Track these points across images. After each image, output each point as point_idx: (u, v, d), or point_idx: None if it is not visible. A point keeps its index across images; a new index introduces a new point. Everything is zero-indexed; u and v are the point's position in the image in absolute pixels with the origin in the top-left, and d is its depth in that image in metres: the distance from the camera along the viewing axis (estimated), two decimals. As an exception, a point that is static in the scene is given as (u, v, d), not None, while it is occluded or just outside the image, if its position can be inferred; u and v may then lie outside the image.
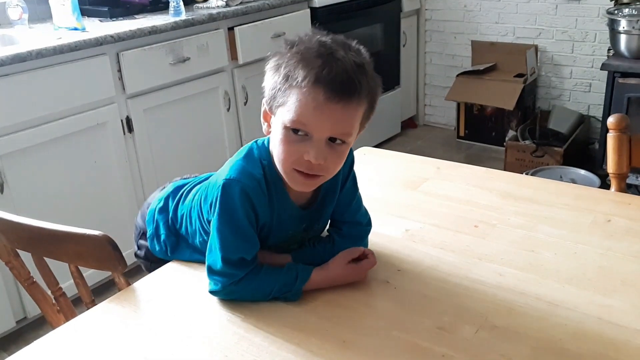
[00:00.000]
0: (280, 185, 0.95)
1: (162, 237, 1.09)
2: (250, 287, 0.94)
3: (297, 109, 0.84)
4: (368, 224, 1.07)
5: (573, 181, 2.64)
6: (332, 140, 0.87)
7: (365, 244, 1.06)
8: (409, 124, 3.95)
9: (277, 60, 0.88)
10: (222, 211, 0.92)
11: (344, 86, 0.83)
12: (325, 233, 1.07)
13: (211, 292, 0.96)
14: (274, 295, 0.94)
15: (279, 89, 0.87)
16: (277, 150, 0.89)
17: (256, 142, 0.97)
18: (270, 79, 0.89)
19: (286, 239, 1.01)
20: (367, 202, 1.07)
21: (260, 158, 0.94)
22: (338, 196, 1.02)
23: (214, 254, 0.94)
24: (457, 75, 3.54)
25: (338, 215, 1.04)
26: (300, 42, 0.87)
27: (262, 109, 0.93)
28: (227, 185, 0.91)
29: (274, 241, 0.99)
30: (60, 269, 1.14)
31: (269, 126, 0.93)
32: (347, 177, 1.02)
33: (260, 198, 0.93)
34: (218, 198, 0.92)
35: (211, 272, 0.95)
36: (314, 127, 0.85)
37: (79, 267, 1.09)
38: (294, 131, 0.86)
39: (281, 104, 0.87)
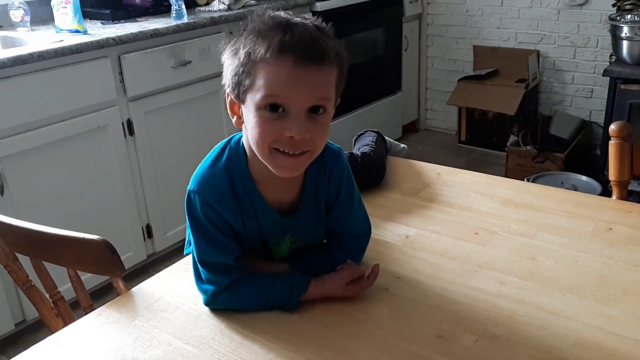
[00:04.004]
0: (254, 190, 0.91)
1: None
2: (243, 296, 0.93)
3: (267, 82, 0.80)
4: (367, 233, 1.04)
5: (574, 187, 2.63)
6: (312, 111, 0.82)
7: (362, 256, 1.04)
8: (410, 128, 3.95)
9: (233, 44, 0.85)
10: (190, 221, 0.91)
11: (311, 48, 0.80)
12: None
13: (205, 304, 0.95)
14: (271, 307, 0.93)
15: (243, 71, 0.82)
16: (253, 136, 0.84)
17: (230, 140, 0.93)
18: (231, 64, 0.84)
19: (270, 246, 0.98)
20: (366, 208, 1.06)
21: (228, 162, 0.90)
22: (333, 206, 0.98)
23: (195, 263, 0.93)
24: (459, 80, 3.53)
25: (335, 226, 1.00)
26: (252, 20, 0.84)
27: (227, 101, 0.88)
28: (189, 197, 0.90)
29: (251, 244, 0.96)
30: (58, 273, 1.14)
31: (240, 117, 0.88)
32: (339, 184, 0.97)
33: (226, 207, 0.89)
34: (185, 208, 0.90)
35: (199, 281, 0.94)
36: (291, 98, 0.80)
37: (78, 271, 1.09)
38: (270, 109, 0.81)
39: (249, 87, 0.82)
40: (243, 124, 0.88)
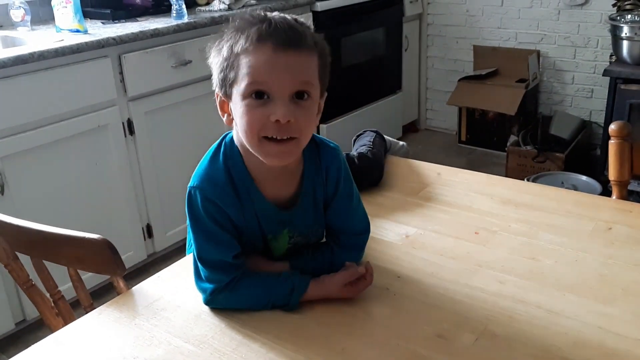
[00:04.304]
0: (252, 185, 0.93)
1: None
2: (243, 295, 0.93)
3: (249, 70, 0.83)
4: (366, 231, 1.04)
5: (574, 187, 2.63)
6: (297, 97, 0.84)
7: (362, 255, 1.04)
8: (411, 128, 3.95)
9: (217, 44, 0.88)
10: (190, 218, 0.92)
11: (289, 35, 0.83)
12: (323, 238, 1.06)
13: (205, 303, 0.95)
14: (271, 307, 0.93)
15: (227, 65, 0.85)
16: (241, 126, 0.86)
17: (225, 138, 0.95)
18: (216, 63, 0.88)
19: (268, 242, 0.98)
20: (367, 208, 1.06)
21: (225, 159, 0.92)
22: (331, 203, 0.98)
23: (195, 262, 0.94)
24: (459, 80, 3.53)
25: (333, 223, 1.01)
26: (233, 20, 0.88)
27: (217, 101, 0.92)
28: (190, 193, 0.91)
29: (251, 241, 0.96)
30: (59, 272, 1.14)
31: (229, 114, 0.90)
32: (337, 180, 0.98)
33: (226, 201, 0.91)
34: (185, 206, 0.91)
35: (199, 280, 0.94)
36: (273, 83, 0.83)
37: (78, 270, 1.09)
38: (255, 97, 0.83)
39: (234, 79, 0.85)
40: (233, 121, 0.90)
